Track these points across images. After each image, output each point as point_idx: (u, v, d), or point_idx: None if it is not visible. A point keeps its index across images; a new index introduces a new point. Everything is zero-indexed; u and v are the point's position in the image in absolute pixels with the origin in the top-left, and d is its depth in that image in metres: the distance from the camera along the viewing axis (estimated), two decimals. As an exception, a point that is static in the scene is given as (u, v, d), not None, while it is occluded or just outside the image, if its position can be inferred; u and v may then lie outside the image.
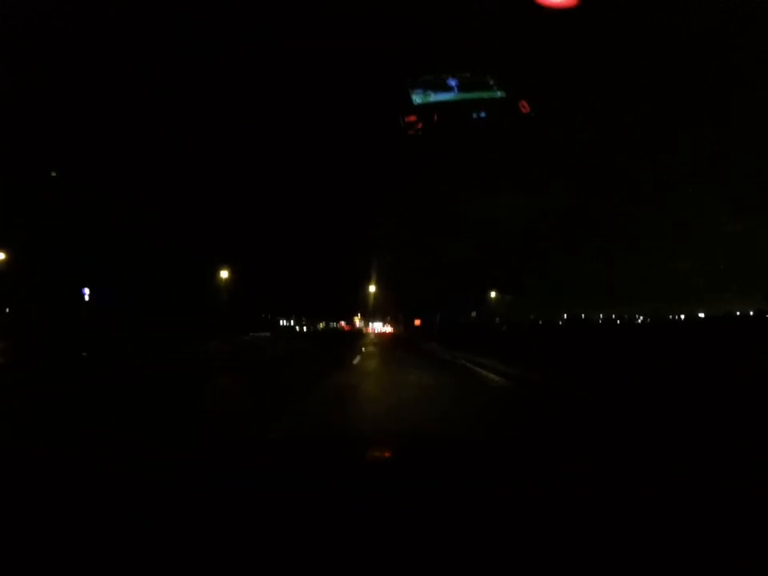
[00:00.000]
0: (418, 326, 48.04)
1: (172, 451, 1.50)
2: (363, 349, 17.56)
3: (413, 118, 6.57)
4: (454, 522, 0.98)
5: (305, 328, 59.12)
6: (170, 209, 22.32)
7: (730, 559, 0.89)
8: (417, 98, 6.43)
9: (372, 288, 45.95)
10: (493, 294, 36.56)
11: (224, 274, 24.62)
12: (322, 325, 68.20)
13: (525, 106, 6.47)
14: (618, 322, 32.97)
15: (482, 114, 6.48)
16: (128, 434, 1.92)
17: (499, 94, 6.44)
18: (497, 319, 37.94)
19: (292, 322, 60.14)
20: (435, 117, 6.54)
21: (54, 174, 15.49)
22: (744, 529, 0.97)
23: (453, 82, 6.51)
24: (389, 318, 64.72)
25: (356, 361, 11.69)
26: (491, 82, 6.44)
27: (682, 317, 27.32)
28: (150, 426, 3.25)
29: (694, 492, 1.10)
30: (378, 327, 66.10)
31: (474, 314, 40.65)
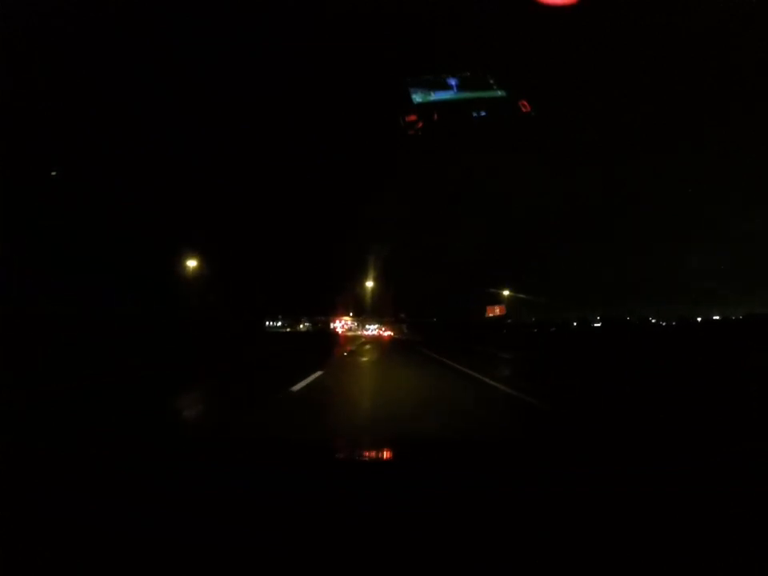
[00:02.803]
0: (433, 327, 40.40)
1: (172, 451, 1.50)
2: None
3: (413, 118, 6.57)
4: (453, 522, 0.98)
5: (288, 328, 54.14)
6: (170, 208, 22.16)
7: (730, 559, 0.89)
8: (417, 98, 6.44)
9: (369, 283, 40.34)
10: (506, 293, 32.69)
11: (193, 264, 21.35)
12: (303, 325, 60.14)
13: (525, 106, 6.48)
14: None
15: (483, 113, 6.48)
16: (128, 433, 1.92)
17: (499, 93, 6.45)
18: (508, 320, 35.71)
19: (279, 323, 56.33)
20: (435, 116, 6.55)
21: (54, 173, 15.48)
22: (744, 529, 0.97)
23: (453, 82, 6.52)
24: (389, 318, 53.83)
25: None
26: (491, 82, 6.45)
27: (699, 319, 26.28)
28: (150, 426, 3.24)
29: (694, 492, 1.09)
30: (372, 328, 55.76)
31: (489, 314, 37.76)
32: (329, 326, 59.42)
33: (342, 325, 60.63)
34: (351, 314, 59.55)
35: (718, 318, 26.06)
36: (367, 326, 57.79)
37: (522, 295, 32.38)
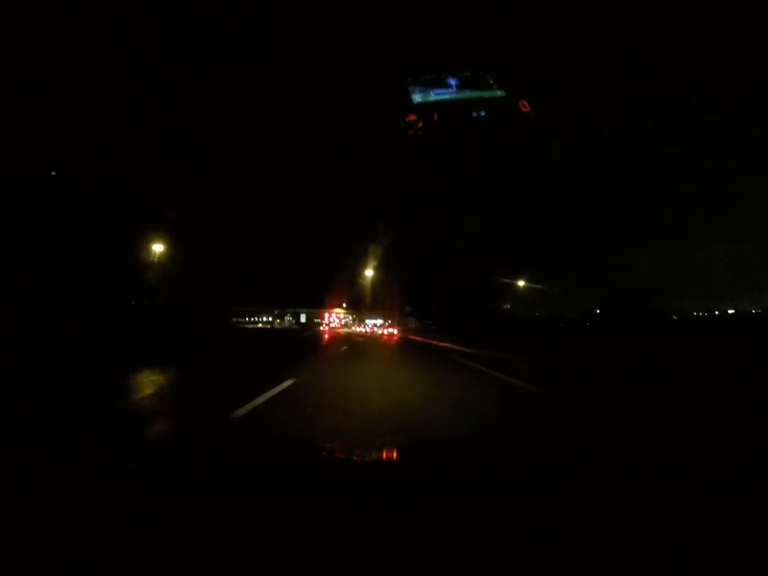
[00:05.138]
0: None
1: (172, 451, 1.50)
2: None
3: (413, 118, 6.57)
4: (454, 523, 0.98)
5: (260, 324, 46.43)
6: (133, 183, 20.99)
7: (730, 560, 0.89)
8: (417, 97, 6.44)
9: (369, 272, 34.37)
10: (521, 284, 28.53)
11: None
12: (285, 320, 50.05)
13: (525, 106, 6.47)
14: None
15: (482, 113, 6.48)
16: (128, 433, 1.92)
17: (499, 93, 6.44)
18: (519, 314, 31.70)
19: (265, 317, 49.07)
20: (435, 116, 6.54)
21: (53, 173, 15.49)
22: (744, 529, 0.97)
23: (453, 81, 6.52)
24: (388, 311, 41.93)
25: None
26: (491, 81, 6.45)
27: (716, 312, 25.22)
28: (149, 425, 3.25)
29: (693, 492, 1.10)
30: (372, 324, 44.57)
31: (507, 306, 33.39)
32: (339, 324, 48.42)
33: (338, 320, 48.79)
34: (345, 306, 49.18)
35: (732, 311, 25.57)
36: (367, 321, 46.49)
37: (538, 286, 29.13)
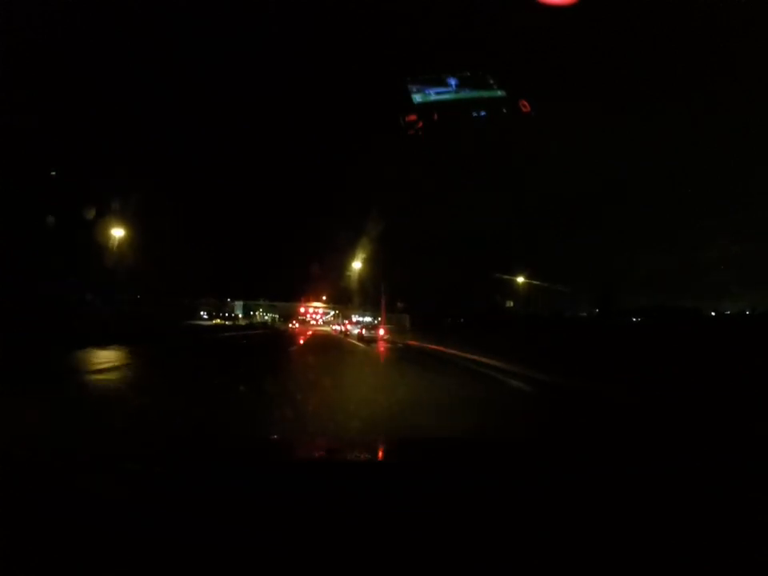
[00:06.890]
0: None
1: (172, 451, 1.49)
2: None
3: (413, 118, 6.57)
4: (453, 523, 0.98)
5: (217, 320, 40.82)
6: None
7: (730, 560, 0.89)
8: (417, 97, 6.44)
9: (357, 264, 29.93)
10: (520, 280, 25.87)
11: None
12: (248, 316, 42.63)
13: (525, 106, 6.47)
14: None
15: (482, 113, 6.48)
16: (129, 433, 1.91)
17: (499, 93, 6.44)
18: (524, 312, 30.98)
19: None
20: (435, 116, 6.54)
21: (53, 173, 15.46)
22: (744, 529, 0.97)
23: (453, 81, 6.51)
24: (371, 306, 34.64)
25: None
26: (491, 81, 6.45)
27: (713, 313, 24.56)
28: (149, 425, 3.24)
29: (693, 492, 1.09)
30: (344, 323, 37.11)
31: (510, 303, 30.12)
32: (301, 318, 40.98)
33: (319, 315, 41.39)
34: (324, 299, 43.29)
35: (729, 312, 25.22)
36: (356, 318, 38.92)
37: (537, 282, 26.29)
